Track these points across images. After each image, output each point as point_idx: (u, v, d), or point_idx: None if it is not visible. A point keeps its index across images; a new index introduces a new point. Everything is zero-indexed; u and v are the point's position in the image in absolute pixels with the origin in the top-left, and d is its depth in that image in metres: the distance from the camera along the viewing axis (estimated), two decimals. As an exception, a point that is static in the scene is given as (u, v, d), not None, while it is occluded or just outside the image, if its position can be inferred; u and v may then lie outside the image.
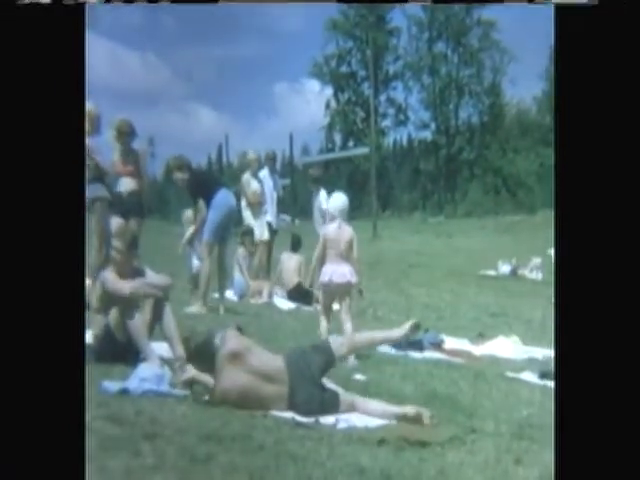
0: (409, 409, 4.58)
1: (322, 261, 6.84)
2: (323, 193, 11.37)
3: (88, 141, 8.63)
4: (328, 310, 6.96)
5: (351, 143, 53.84)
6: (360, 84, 55.45)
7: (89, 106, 8.82)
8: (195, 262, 9.66)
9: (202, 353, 4.78)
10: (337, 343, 4.99)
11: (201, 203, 9.10)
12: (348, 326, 6.74)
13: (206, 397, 4.69)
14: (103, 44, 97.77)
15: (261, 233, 11.53)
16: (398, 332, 5.25)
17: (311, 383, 4.66)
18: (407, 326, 5.12)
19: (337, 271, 6.74)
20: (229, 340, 4.78)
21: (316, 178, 11.73)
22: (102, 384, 4.62)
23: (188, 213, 10.05)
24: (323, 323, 6.81)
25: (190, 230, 9.61)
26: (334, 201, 7.09)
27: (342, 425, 4.39)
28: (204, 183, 9.37)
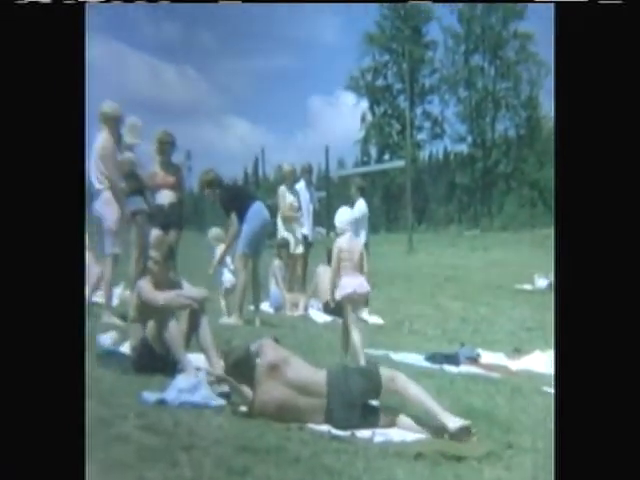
0: (455, 422, 4.56)
1: (338, 274, 6.88)
2: (361, 202, 11.38)
3: (131, 154, 8.74)
4: (354, 322, 6.97)
5: (387, 156, 53.74)
6: (396, 97, 55.39)
7: (133, 119, 8.93)
8: (227, 276, 9.66)
9: (241, 367, 4.80)
10: (388, 377, 4.77)
11: (233, 218, 9.14)
12: (357, 336, 6.74)
13: (243, 409, 4.71)
14: (143, 59, 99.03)
15: (297, 245, 11.58)
16: (449, 421, 4.59)
17: (349, 403, 4.63)
18: (458, 425, 4.57)
19: (356, 282, 6.79)
20: (267, 352, 4.79)
21: (360, 187, 11.73)
22: (141, 395, 4.67)
23: (215, 231, 10.10)
24: (356, 336, 6.79)
25: (221, 248, 9.62)
26: (341, 215, 7.11)
27: (378, 439, 4.39)
28: (236, 197, 9.39)
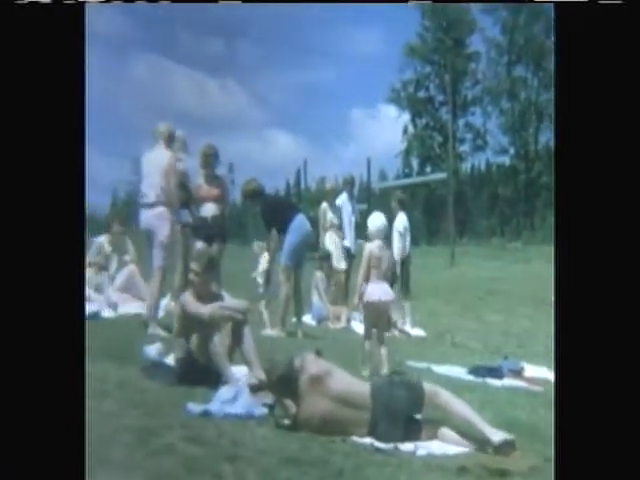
0: (498, 436, 4.52)
1: (365, 280, 6.91)
2: (402, 216, 11.37)
3: (183, 166, 8.85)
4: (370, 330, 6.98)
5: (428, 168, 53.53)
6: (438, 109, 55.18)
7: (179, 133, 9.05)
8: (268, 290, 9.69)
9: (284, 382, 4.81)
10: (431, 391, 4.74)
11: (274, 231, 9.19)
12: (384, 350, 6.75)
13: (287, 422, 4.73)
14: (186, 73, 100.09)
15: (339, 258, 11.60)
16: (493, 435, 4.54)
17: (393, 416, 4.61)
18: (501, 439, 4.50)
19: (382, 290, 6.80)
20: (309, 365, 4.81)
21: (400, 201, 11.73)
22: (186, 406, 4.73)
23: (258, 244, 10.17)
24: (381, 347, 6.81)
25: (263, 260, 9.67)
26: (374, 221, 7.12)
27: (421, 452, 4.38)
28: (278, 208, 9.45)
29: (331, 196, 11.79)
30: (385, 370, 6.58)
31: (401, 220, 11.24)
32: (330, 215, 11.57)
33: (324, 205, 11.69)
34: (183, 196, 8.92)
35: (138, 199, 8.54)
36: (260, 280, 9.92)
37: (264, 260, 9.74)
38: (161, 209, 8.23)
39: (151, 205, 8.25)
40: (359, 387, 4.75)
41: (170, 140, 8.48)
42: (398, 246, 10.96)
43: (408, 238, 11.43)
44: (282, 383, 4.83)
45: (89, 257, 9.96)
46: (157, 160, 8.33)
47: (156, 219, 8.21)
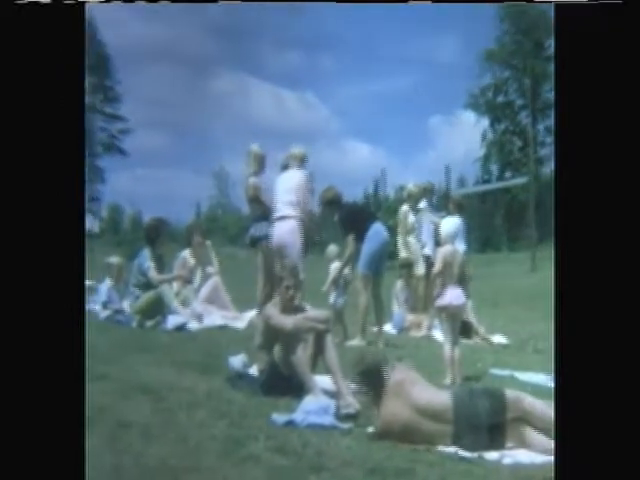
0: None
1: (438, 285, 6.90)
2: (454, 219, 11.03)
3: (256, 180, 9.01)
4: (447, 336, 6.94)
5: (508, 173, 52.81)
6: (517, 113, 54.39)
7: (255, 147, 9.23)
8: (339, 299, 9.69)
9: (370, 377, 4.87)
10: (513, 398, 4.67)
11: (350, 238, 9.22)
12: (457, 355, 6.71)
13: (370, 429, 4.77)
14: (266, 88, 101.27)
15: (419, 266, 11.55)
16: None
17: (476, 426, 4.58)
18: None
19: (454, 294, 6.78)
20: (397, 372, 4.85)
21: (457, 204, 11.55)
22: (271, 416, 4.80)
23: (333, 249, 10.19)
24: (450, 350, 6.79)
25: (335, 266, 9.68)
26: (447, 225, 7.10)
27: (507, 461, 4.34)
28: (356, 217, 9.47)
29: (413, 200, 11.73)
30: (458, 376, 6.56)
31: (454, 221, 10.91)
32: (412, 218, 11.51)
33: (405, 208, 11.62)
34: (258, 208, 9.08)
35: (272, 214, 8.82)
36: (329, 289, 9.90)
37: (334, 268, 9.73)
38: (293, 223, 8.59)
39: (283, 219, 8.61)
40: (441, 399, 4.72)
41: (302, 161, 9.00)
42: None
43: (462, 243, 11.04)
44: (368, 378, 4.89)
45: (175, 270, 10.18)
46: (291, 179, 8.79)
47: (289, 233, 8.56)
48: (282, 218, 8.62)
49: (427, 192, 12.25)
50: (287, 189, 8.74)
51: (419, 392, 4.73)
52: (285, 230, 8.58)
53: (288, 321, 5.65)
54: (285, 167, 9.19)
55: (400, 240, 11.49)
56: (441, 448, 4.52)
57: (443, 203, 12.08)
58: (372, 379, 4.88)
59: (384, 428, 4.69)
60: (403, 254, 11.52)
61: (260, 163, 9.35)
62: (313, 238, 9.35)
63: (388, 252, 9.97)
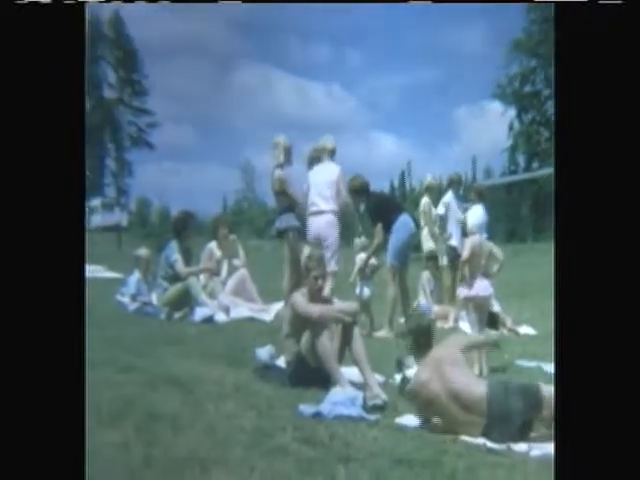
0: None
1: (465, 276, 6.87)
2: (478, 209, 10.96)
3: (282, 172, 9.02)
4: (475, 327, 6.92)
5: (535, 164, 52.47)
6: (544, 103, 54.02)
7: (282, 139, 9.23)
8: (365, 290, 9.69)
9: (416, 335, 5.06)
10: (548, 396, 4.49)
11: (379, 228, 9.21)
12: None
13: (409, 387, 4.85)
14: (291, 80, 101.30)
15: (444, 257, 11.52)
16: None
17: (508, 421, 4.53)
18: None
19: (481, 285, 6.76)
20: (440, 347, 4.95)
21: (479, 192, 11.44)
22: (298, 407, 4.82)
23: (361, 240, 10.18)
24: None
25: (362, 257, 9.68)
26: (474, 215, 7.05)
27: (535, 452, 4.31)
28: (383, 207, 9.46)
29: (432, 192, 11.69)
30: (486, 367, 6.54)
31: (479, 213, 10.80)
32: (434, 210, 11.47)
33: (425, 200, 11.58)
34: (285, 200, 9.09)
35: (308, 208, 8.92)
36: (356, 280, 9.88)
37: (360, 259, 9.73)
38: (330, 217, 8.76)
39: (321, 213, 8.76)
40: (476, 390, 4.66)
41: (333, 154, 9.15)
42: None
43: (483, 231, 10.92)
44: (415, 334, 5.07)
45: (202, 263, 10.22)
46: (327, 172, 8.92)
47: (327, 227, 8.73)
48: (320, 212, 8.71)
49: (454, 183, 12.18)
50: (324, 182, 8.84)
51: (456, 375, 4.72)
52: (323, 224, 8.69)
53: (315, 309, 5.66)
54: (313, 159, 9.20)
55: (424, 231, 11.47)
56: (469, 439, 4.51)
57: (469, 194, 11.96)
58: (415, 339, 5.03)
59: (412, 393, 4.79)
60: (428, 246, 11.50)
61: (287, 155, 9.33)
62: (350, 231, 9.40)
63: (414, 244, 9.96)
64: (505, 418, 4.55)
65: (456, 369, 4.77)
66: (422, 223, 11.49)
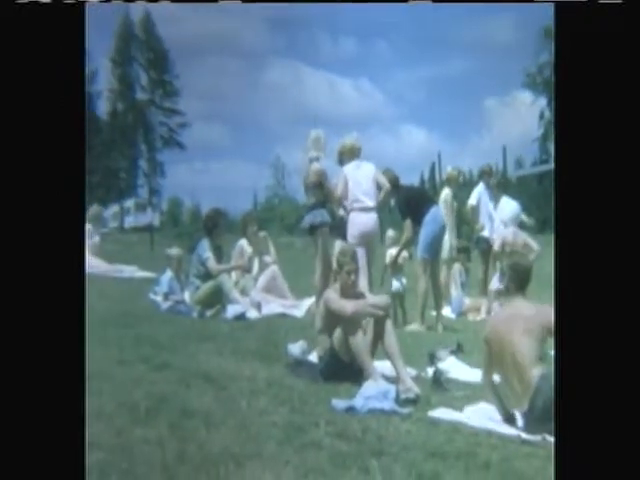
0: None
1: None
2: (507, 201, 10.84)
3: (319, 166, 8.95)
4: None
5: (567, 153, 52.00)
6: (575, 91, 53.53)
7: (319, 133, 9.17)
8: (395, 283, 9.67)
9: (516, 272, 5.11)
10: None
11: (408, 222, 9.19)
12: None
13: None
14: (320, 76, 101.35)
15: (476, 249, 11.46)
16: None
17: (548, 413, 4.40)
18: None
19: None
20: (539, 311, 4.96)
21: (500, 183, 11.29)
22: (331, 402, 4.83)
23: (391, 233, 10.16)
24: None
25: (392, 251, 9.66)
26: (506, 207, 6.96)
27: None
28: (413, 200, 9.45)
29: (454, 183, 11.58)
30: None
31: (512, 205, 10.58)
32: (455, 204, 11.38)
33: (447, 191, 11.48)
34: (320, 195, 9.06)
35: (350, 204, 8.92)
36: (387, 274, 9.87)
37: (391, 253, 9.72)
38: (375, 214, 8.86)
39: (365, 210, 8.79)
40: (531, 373, 4.68)
41: (360, 152, 9.19)
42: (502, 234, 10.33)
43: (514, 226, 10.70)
44: (520, 269, 5.15)
45: (233, 260, 10.26)
46: (362, 169, 8.93)
47: (372, 224, 8.81)
48: (365, 209, 8.73)
49: (485, 174, 12.09)
50: (364, 178, 8.85)
51: (523, 345, 4.76)
52: (371, 221, 8.73)
53: (348, 305, 5.66)
54: (344, 155, 9.17)
55: (449, 224, 11.39)
56: (503, 431, 4.51)
57: (500, 185, 11.88)
58: (521, 274, 5.08)
59: (487, 335, 5.07)
60: (448, 238, 11.42)
61: (322, 149, 9.29)
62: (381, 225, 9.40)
63: (444, 236, 9.92)
64: (547, 406, 4.51)
65: (525, 339, 4.78)
66: (445, 215, 11.41)
